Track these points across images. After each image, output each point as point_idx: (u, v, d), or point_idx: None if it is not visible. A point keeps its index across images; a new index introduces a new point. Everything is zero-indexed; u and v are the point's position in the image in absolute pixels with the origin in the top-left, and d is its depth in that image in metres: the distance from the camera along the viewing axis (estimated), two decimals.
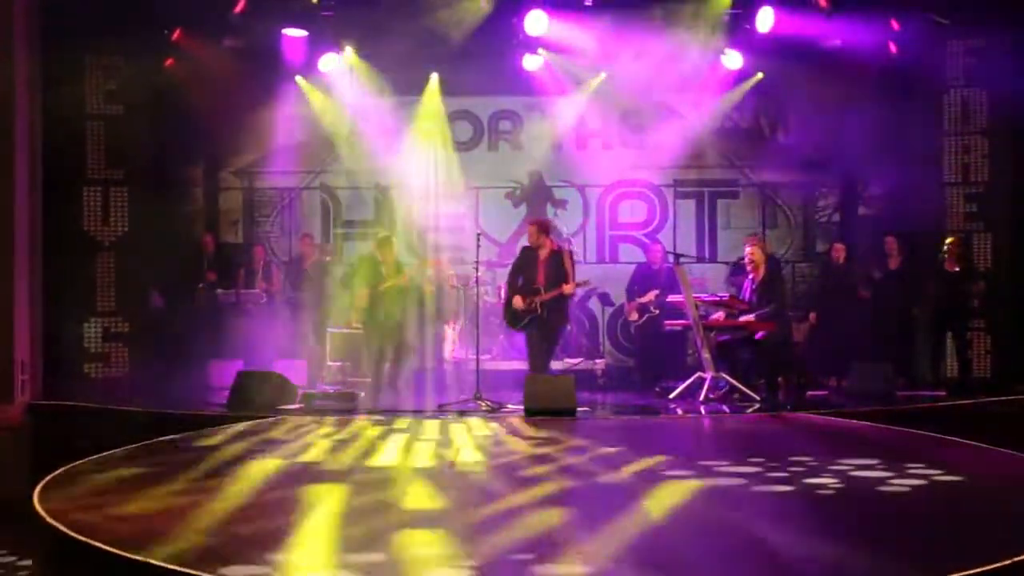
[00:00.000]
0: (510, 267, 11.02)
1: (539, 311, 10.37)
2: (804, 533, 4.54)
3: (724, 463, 6.29)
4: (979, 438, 7.27)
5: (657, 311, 11.72)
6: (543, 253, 10.60)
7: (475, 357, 10.43)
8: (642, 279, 12.19)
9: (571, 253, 11.24)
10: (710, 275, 12.90)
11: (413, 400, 10.75)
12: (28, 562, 6.31)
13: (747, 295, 10.55)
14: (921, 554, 4.23)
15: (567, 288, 10.46)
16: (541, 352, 10.55)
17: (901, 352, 11.21)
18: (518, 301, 10.42)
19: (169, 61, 11.89)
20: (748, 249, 10.69)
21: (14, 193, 10.01)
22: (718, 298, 10.79)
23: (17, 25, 10.10)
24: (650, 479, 5.83)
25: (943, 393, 10.43)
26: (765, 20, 11.61)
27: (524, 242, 11.20)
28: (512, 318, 10.62)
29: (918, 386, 10.90)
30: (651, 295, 11.81)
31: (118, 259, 11.48)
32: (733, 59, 12.40)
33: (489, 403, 9.81)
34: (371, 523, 4.75)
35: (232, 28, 11.78)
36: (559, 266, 10.50)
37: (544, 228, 10.81)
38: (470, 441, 7.62)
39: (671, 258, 11.47)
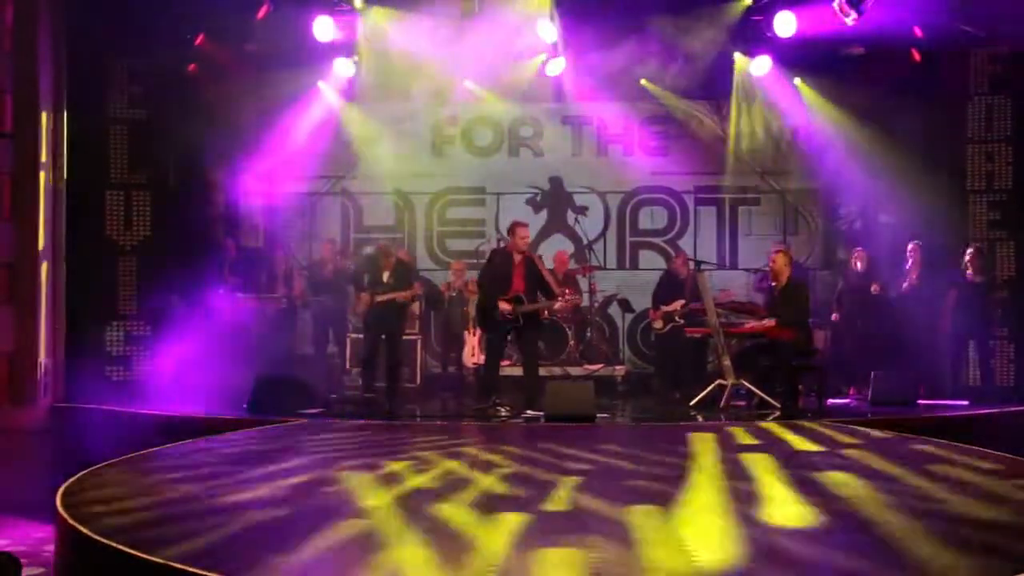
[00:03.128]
0: (482, 270, 10.63)
1: (520, 321, 10.03)
2: None
3: None
4: (1001, 447, 7.22)
5: (682, 321, 11.64)
6: (518, 257, 10.18)
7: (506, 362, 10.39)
8: (668, 287, 12.09)
9: (541, 259, 11.06)
10: (731, 282, 12.83)
11: (434, 407, 10.76)
12: (51, 564, 6.32)
13: (768, 302, 10.49)
14: None
15: (558, 305, 10.46)
16: (527, 363, 10.30)
17: (922, 360, 11.13)
18: (505, 307, 9.94)
19: (192, 66, 11.95)
20: (776, 257, 10.58)
21: (38, 196, 10.08)
22: (738, 304, 10.74)
23: (42, 29, 10.18)
24: None
25: (966, 402, 10.35)
26: (785, 25, 11.60)
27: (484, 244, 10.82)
28: (491, 324, 10.18)
29: (940, 394, 10.82)
30: (677, 304, 11.70)
31: (140, 263, 11.51)
32: (759, 65, 12.38)
33: (508, 409, 9.79)
34: None
35: (255, 33, 11.84)
36: (536, 273, 10.15)
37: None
38: None
39: (692, 265, 11.44)
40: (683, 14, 11.78)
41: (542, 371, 11.49)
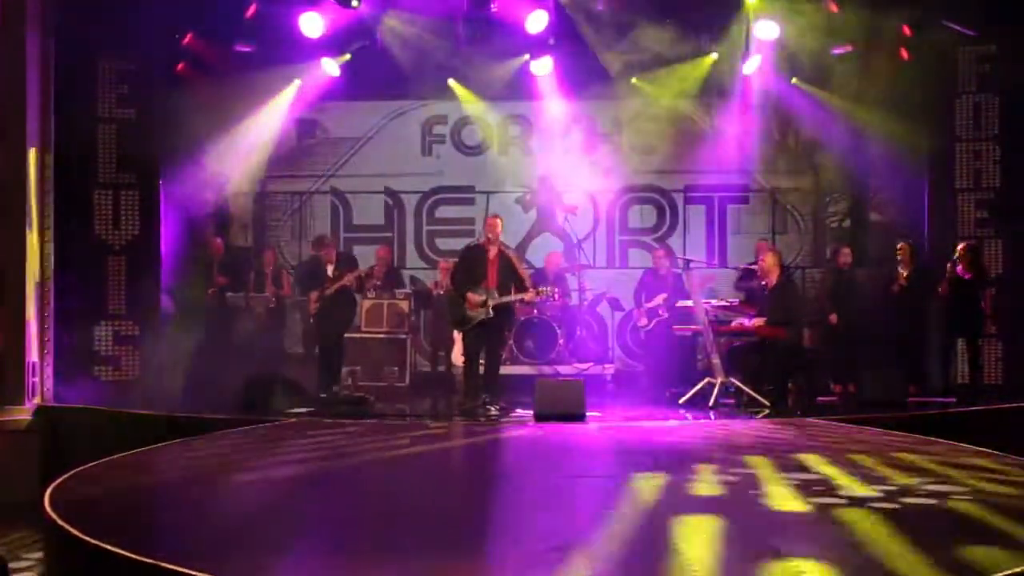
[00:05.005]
0: (454, 265, 10.53)
1: (490, 314, 9.96)
2: None
3: None
4: (990, 444, 7.25)
5: (666, 315, 11.68)
6: (492, 252, 10.13)
7: (482, 362, 10.38)
8: (649, 284, 12.12)
9: (517, 256, 10.95)
10: (721, 280, 12.83)
11: (423, 406, 10.75)
12: (38, 564, 6.30)
13: (758, 301, 10.52)
14: None
15: (528, 296, 10.17)
16: (490, 357, 10.15)
17: (912, 358, 11.16)
18: (474, 299, 9.90)
19: (181, 65, 11.92)
20: (761, 256, 10.62)
21: (26, 196, 10.05)
22: (728, 303, 10.76)
23: (29, 29, 10.15)
24: None
25: (953, 400, 10.37)
26: (766, 29, 11.69)
27: (475, 240, 10.73)
28: (462, 320, 10.10)
29: (929, 392, 10.85)
30: (659, 299, 11.74)
31: (128, 262, 11.48)
32: (750, 65, 12.41)
33: (498, 407, 9.79)
34: None
35: (244, 32, 11.82)
36: (510, 267, 10.11)
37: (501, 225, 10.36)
38: None
39: (680, 263, 11.45)
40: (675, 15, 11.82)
41: (531, 369, 11.55)
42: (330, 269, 10.77)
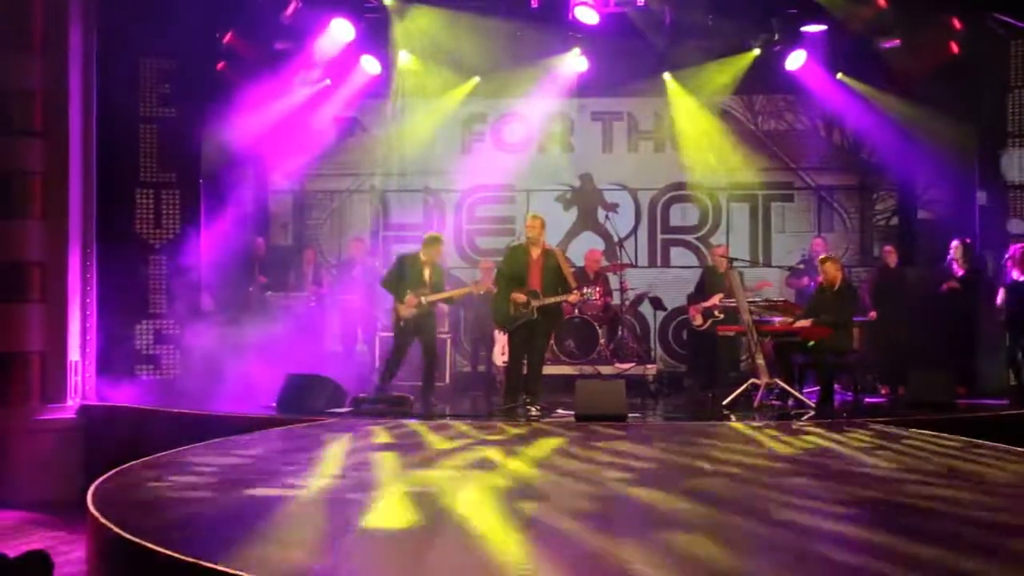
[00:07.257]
0: (500, 266, 10.39)
1: (534, 315, 9.76)
2: None
3: None
4: None
5: (722, 316, 11.49)
6: (536, 252, 9.94)
7: (524, 362, 10.27)
8: (707, 283, 11.92)
9: (564, 254, 10.79)
10: (765, 279, 12.66)
11: (463, 406, 10.69)
12: (82, 562, 6.29)
13: (813, 303, 10.37)
14: None
15: (572, 297, 9.90)
16: (532, 358, 9.94)
17: (962, 360, 10.94)
18: (519, 296, 9.72)
19: (221, 64, 11.94)
20: (827, 265, 10.37)
21: (68, 195, 10.08)
22: (773, 302, 10.62)
23: (72, 28, 10.18)
24: None
25: (1006, 402, 10.14)
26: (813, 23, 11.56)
27: (514, 241, 10.56)
28: (506, 319, 9.95)
29: (979, 394, 10.63)
30: (716, 298, 11.52)
31: (169, 261, 11.50)
32: (795, 59, 12.23)
33: (538, 408, 9.69)
34: None
35: (283, 31, 11.85)
36: (555, 268, 9.86)
37: (544, 224, 10.12)
38: None
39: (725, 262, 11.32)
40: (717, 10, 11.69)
41: (572, 370, 11.43)
42: (427, 274, 10.41)
